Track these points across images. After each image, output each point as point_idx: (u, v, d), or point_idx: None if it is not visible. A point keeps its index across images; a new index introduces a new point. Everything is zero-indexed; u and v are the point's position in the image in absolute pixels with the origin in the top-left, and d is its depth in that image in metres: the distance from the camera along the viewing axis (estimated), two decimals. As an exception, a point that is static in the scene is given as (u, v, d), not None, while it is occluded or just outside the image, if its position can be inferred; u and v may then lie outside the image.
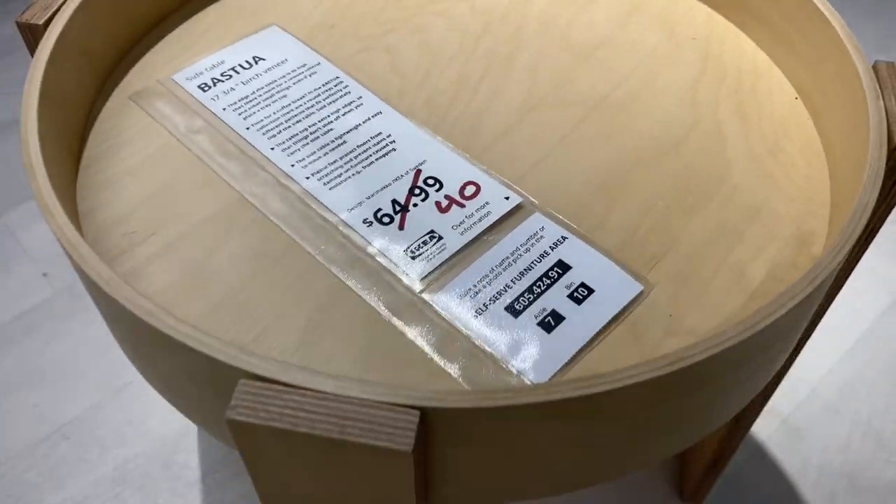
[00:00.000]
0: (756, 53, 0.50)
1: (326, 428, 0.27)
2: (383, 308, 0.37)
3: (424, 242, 0.39)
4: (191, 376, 0.32)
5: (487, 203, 0.41)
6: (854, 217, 0.34)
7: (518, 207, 0.41)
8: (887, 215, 0.40)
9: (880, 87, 0.40)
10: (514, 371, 0.34)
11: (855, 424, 0.74)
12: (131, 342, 0.34)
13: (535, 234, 0.40)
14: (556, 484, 0.34)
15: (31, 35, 0.43)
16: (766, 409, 0.75)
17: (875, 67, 0.41)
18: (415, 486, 0.30)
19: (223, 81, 0.47)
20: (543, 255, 0.39)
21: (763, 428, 0.73)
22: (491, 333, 0.36)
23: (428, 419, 0.28)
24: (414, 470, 0.28)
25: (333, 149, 0.43)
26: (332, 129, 0.45)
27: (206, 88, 0.46)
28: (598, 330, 0.36)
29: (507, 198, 0.41)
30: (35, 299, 0.81)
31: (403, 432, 0.27)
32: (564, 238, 0.39)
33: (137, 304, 0.30)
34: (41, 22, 0.42)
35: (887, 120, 0.38)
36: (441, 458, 0.30)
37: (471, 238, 0.39)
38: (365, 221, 0.40)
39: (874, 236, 0.42)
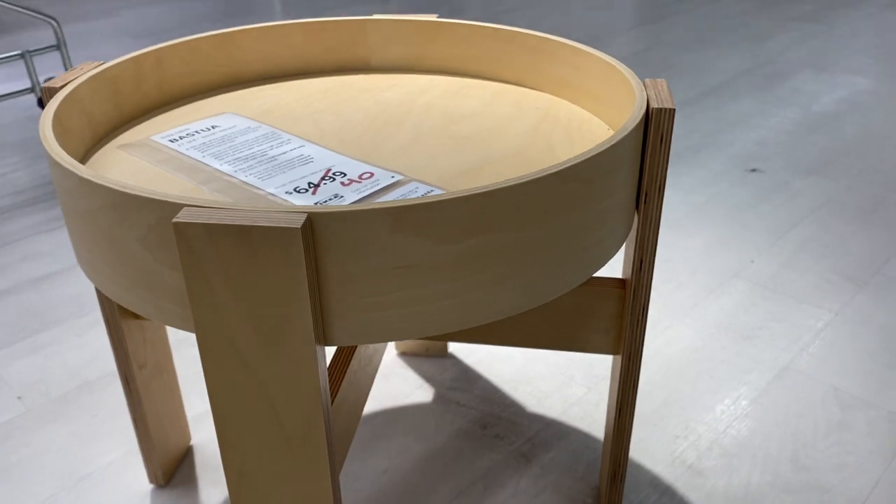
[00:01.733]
0: (582, 112, 0.69)
1: (242, 220, 0.40)
2: (297, 231, 0.50)
3: (330, 199, 0.53)
4: (142, 240, 0.44)
5: (378, 180, 0.56)
6: (624, 128, 0.50)
7: (400, 182, 0.56)
8: (665, 167, 0.55)
9: (646, 89, 0.58)
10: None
11: (753, 465, 0.81)
12: (96, 228, 0.46)
13: (412, 191, 0.54)
14: (432, 318, 0.45)
15: (50, 97, 0.59)
16: (672, 458, 0.83)
17: (643, 81, 0.59)
18: (308, 286, 0.41)
19: (186, 138, 0.63)
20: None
21: (670, 473, 0.81)
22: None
23: (314, 222, 0.41)
24: (304, 260, 0.40)
25: (266, 162, 0.59)
26: (266, 154, 0.60)
27: (174, 141, 0.63)
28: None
29: (392, 176, 0.56)
30: (8, 416, 0.89)
31: (294, 220, 0.40)
32: (432, 191, 0.54)
33: (115, 183, 0.44)
34: (58, 86, 0.59)
35: (647, 99, 0.56)
36: (326, 266, 0.42)
37: (363, 196, 0.54)
38: (286, 192, 0.55)
39: (661, 191, 0.57)
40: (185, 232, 0.40)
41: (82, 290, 1.13)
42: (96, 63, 0.64)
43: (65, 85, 0.60)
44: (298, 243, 0.40)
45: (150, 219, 0.43)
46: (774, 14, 2.48)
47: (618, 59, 2.08)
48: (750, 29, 2.33)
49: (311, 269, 0.41)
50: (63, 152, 0.48)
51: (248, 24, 2.37)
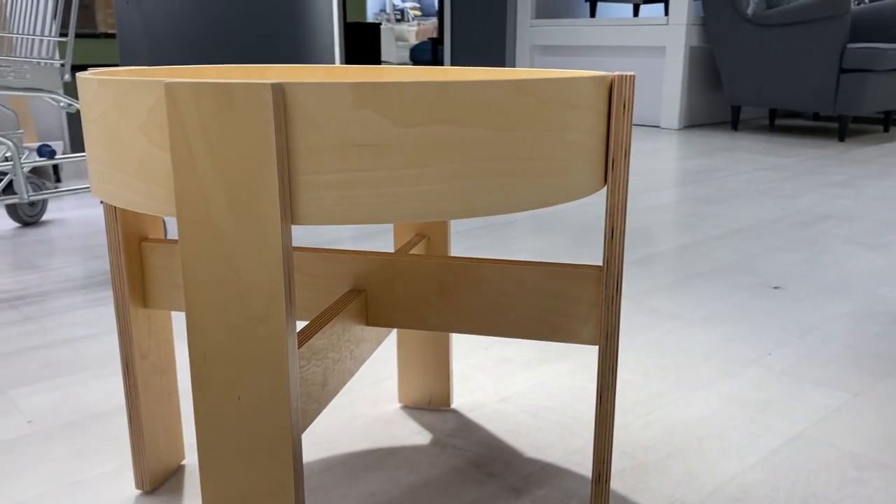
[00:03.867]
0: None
1: (222, 82, 0.46)
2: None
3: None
4: (142, 125, 0.50)
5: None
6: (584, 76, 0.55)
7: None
8: (628, 131, 0.60)
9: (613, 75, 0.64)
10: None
11: (758, 510, 0.77)
12: (105, 129, 0.52)
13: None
14: (393, 203, 0.49)
15: (95, 79, 0.69)
16: (672, 499, 0.79)
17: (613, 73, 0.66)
18: (276, 148, 0.46)
19: (209, 126, 0.71)
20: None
21: (669, 510, 0.77)
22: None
23: (286, 91, 0.47)
24: (274, 119, 0.45)
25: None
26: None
27: (196, 126, 0.71)
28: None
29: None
30: (16, 434, 0.91)
31: (267, 84, 0.46)
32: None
33: (123, 77, 0.51)
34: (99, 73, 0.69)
35: (612, 78, 0.62)
36: (294, 137, 0.47)
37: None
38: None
39: (627, 156, 0.61)
40: (174, 92, 0.46)
41: (111, 349, 1.18)
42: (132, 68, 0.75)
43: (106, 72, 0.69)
44: (269, 101, 0.45)
45: (150, 101, 0.50)
46: (807, 182, 2.57)
47: (642, 209, 2.16)
48: (781, 191, 2.41)
49: (280, 132, 0.47)
50: (90, 75, 0.56)
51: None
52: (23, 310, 1.35)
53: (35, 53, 1.43)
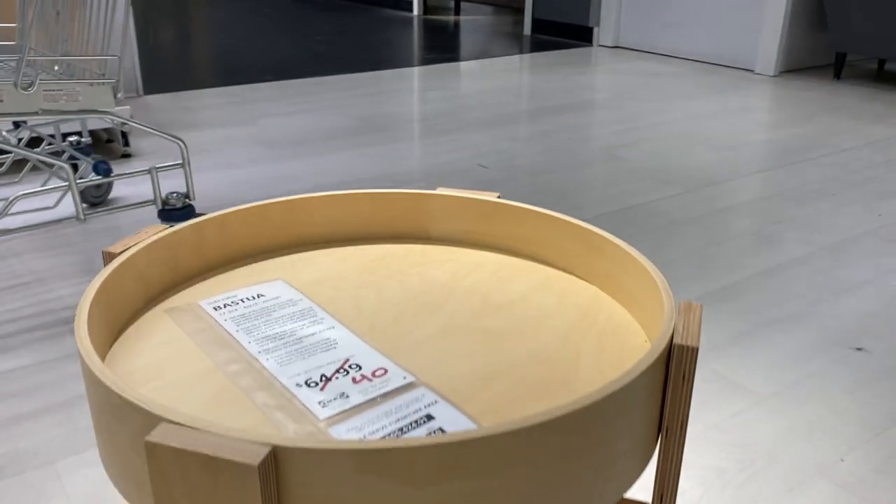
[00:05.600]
0: (623, 314, 0.66)
1: (208, 448, 0.40)
2: (292, 435, 0.50)
3: (335, 398, 0.54)
4: (131, 442, 0.45)
5: (389, 380, 0.56)
6: (623, 377, 0.48)
7: (412, 384, 0.55)
8: (687, 405, 0.52)
9: (679, 310, 0.55)
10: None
11: None
12: (103, 421, 0.48)
13: (417, 399, 0.54)
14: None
15: (109, 261, 0.64)
16: None
17: (679, 304, 0.57)
18: (267, 516, 0.41)
19: (231, 306, 0.66)
20: (417, 410, 0.52)
21: None
22: (362, 451, 0.48)
23: (279, 456, 0.41)
24: (261, 496, 0.40)
25: (292, 345, 0.60)
26: (294, 334, 0.62)
27: (218, 308, 0.66)
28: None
29: (405, 377, 0.56)
30: (59, 529, 0.93)
31: (256, 453, 0.40)
32: (436, 401, 0.53)
33: (114, 383, 0.46)
34: (117, 251, 0.64)
35: (674, 326, 0.53)
36: (292, 500, 0.42)
37: (367, 398, 0.54)
38: (297, 384, 0.55)
39: (683, 428, 0.53)
40: (156, 451, 0.41)
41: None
42: (160, 227, 0.69)
43: (123, 251, 0.64)
44: (255, 480, 0.40)
45: (137, 423, 0.45)
46: (911, 168, 2.35)
47: (727, 207, 2.02)
48: (879, 185, 2.21)
49: (268, 503, 0.41)
50: (89, 343, 0.51)
51: (375, 140, 2.50)
52: (80, 336, 1.36)
53: (86, 74, 1.38)
